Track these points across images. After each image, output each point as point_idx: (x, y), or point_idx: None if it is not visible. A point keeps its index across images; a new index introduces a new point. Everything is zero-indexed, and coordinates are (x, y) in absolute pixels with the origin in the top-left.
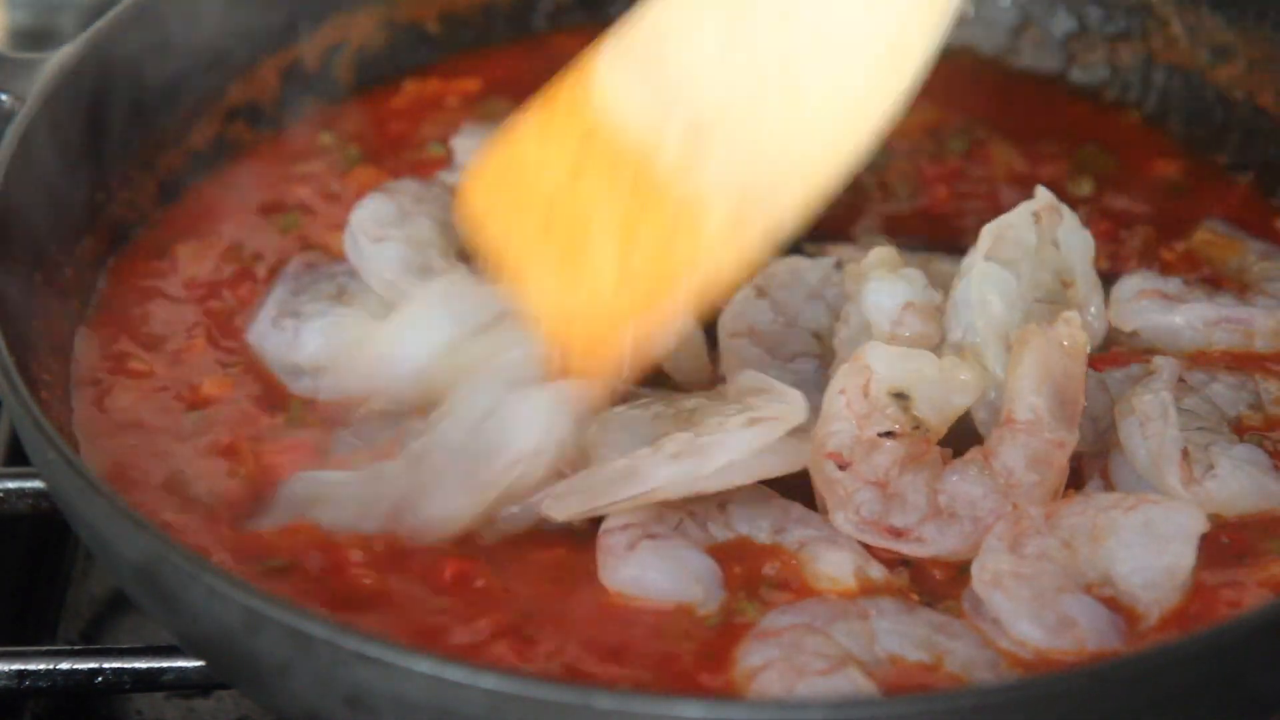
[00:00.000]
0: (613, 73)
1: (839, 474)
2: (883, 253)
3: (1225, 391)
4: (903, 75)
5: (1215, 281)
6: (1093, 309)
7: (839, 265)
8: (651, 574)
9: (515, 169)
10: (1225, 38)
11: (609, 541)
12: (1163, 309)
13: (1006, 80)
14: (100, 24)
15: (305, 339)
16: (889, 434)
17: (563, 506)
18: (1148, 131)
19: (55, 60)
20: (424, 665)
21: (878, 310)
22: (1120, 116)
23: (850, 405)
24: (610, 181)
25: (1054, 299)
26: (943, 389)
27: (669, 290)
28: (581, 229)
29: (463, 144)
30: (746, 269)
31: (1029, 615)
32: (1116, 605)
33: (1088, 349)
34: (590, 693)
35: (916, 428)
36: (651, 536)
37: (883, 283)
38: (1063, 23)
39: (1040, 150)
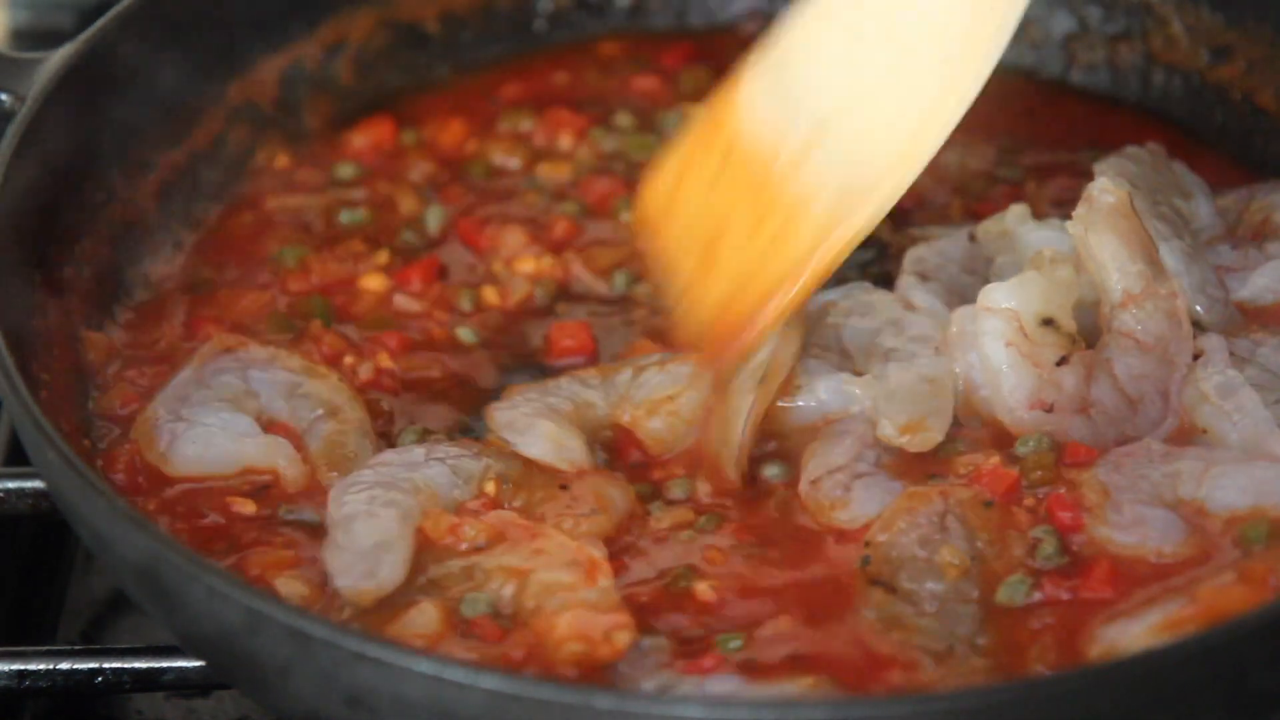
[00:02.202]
0: (751, 89)
1: (1049, 417)
2: (1019, 209)
3: (1272, 354)
4: (975, 74)
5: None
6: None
7: (972, 237)
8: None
9: (672, 180)
10: (1225, 38)
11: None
12: (1239, 279)
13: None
14: (100, 24)
15: (179, 448)
16: (1063, 360)
17: None
18: (1146, 130)
19: (55, 60)
20: (424, 665)
21: (1046, 247)
22: (1119, 115)
23: (1019, 351)
24: (743, 187)
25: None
26: (1068, 294)
27: (785, 283)
28: (718, 231)
29: None
30: (839, 262)
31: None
32: (1193, 521)
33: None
34: (590, 693)
35: (1074, 342)
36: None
37: (1041, 227)
38: (1063, 23)
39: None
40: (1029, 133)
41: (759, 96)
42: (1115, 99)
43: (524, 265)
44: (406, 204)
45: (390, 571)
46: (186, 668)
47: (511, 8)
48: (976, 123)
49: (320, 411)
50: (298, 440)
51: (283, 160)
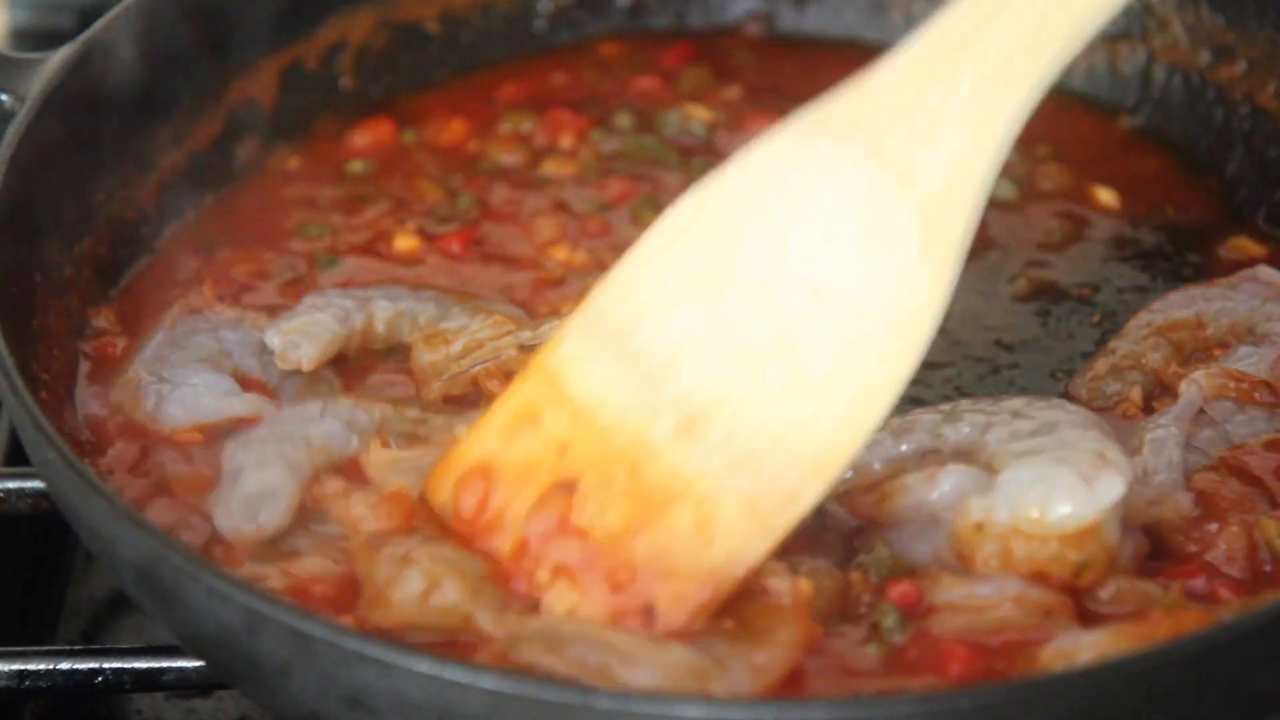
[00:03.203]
0: (582, 355)
1: None
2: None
3: (1241, 427)
4: (918, 334)
5: None
6: None
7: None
8: None
9: (485, 469)
10: (1225, 38)
11: None
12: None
13: None
14: (100, 24)
15: (166, 409)
16: None
17: None
18: (1145, 130)
19: (55, 60)
20: (424, 665)
21: None
22: (1118, 115)
23: None
24: (597, 468)
25: None
26: None
27: (679, 582)
28: (589, 522)
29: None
30: (773, 546)
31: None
32: None
33: None
34: (590, 693)
35: None
36: None
37: None
38: None
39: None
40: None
41: (598, 367)
42: (1113, 99)
43: (558, 252)
44: (431, 190)
45: (270, 517)
46: (186, 668)
47: (511, 8)
48: None
49: (288, 369)
50: (272, 396)
51: (288, 160)
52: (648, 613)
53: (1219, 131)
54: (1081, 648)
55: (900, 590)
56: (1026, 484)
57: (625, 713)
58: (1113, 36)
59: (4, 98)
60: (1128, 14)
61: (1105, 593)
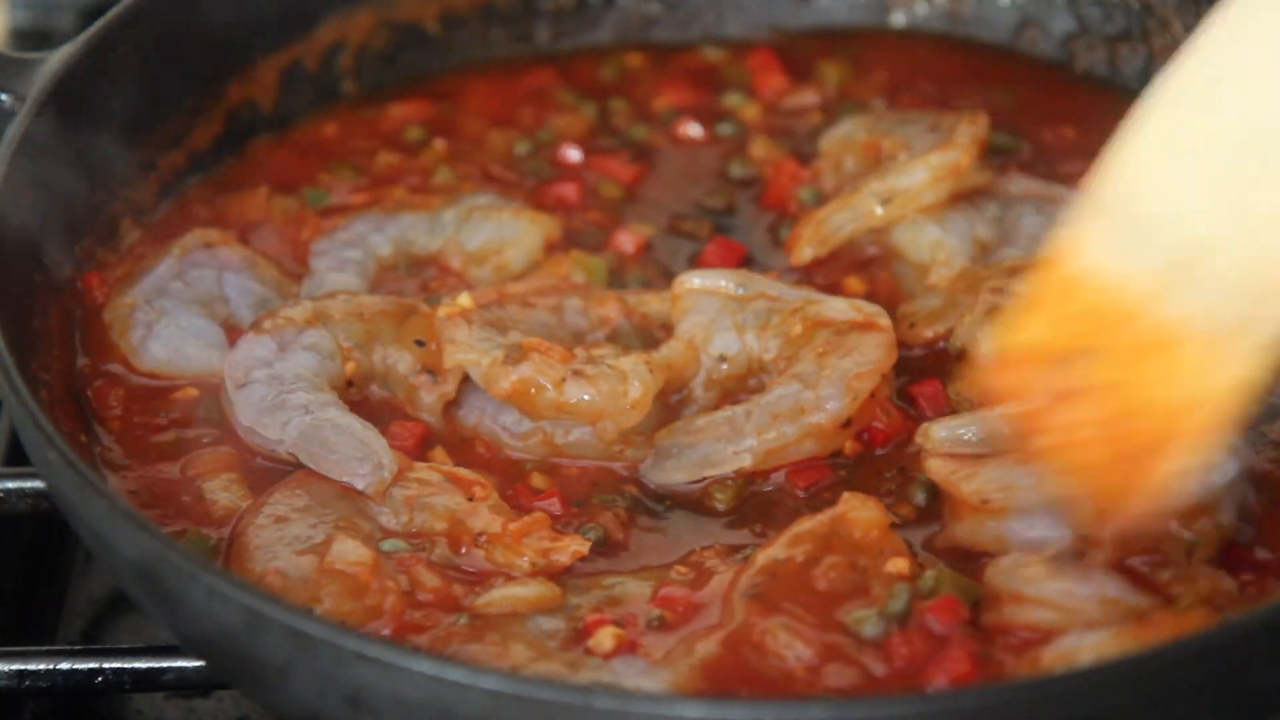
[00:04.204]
0: (1092, 233)
1: None
2: None
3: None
4: None
5: None
6: None
7: None
8: None
9: (1022, 346)
10: None
11: None
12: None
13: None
14: (100, 24)
15: (150, 345)
16: None
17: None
18: None
19: (55, 60)
20: (424, 665)
21: None
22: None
23: None
24: (1104, 332)
25: None
26: None
27: (1177, 419)
28: (1087, 387)
29: (321, 261)
30: (1248, 393)
31: None
32: None
33: None
34: (590, 693)
35: None
36: None
37: None
38: (1063, 23)
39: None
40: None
41: (1103, 237)
42: (1114, 98)
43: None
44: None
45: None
46: (186, 668)
47: (511, 8)
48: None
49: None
50: None
51: (288, 160)
52: (1151, 460)
53: None
54: (1082, 649)
55: (946, 606)
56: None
57: (625, 713)
58: (1113, 36)
59: (4, 98)
60: (1127, 14)
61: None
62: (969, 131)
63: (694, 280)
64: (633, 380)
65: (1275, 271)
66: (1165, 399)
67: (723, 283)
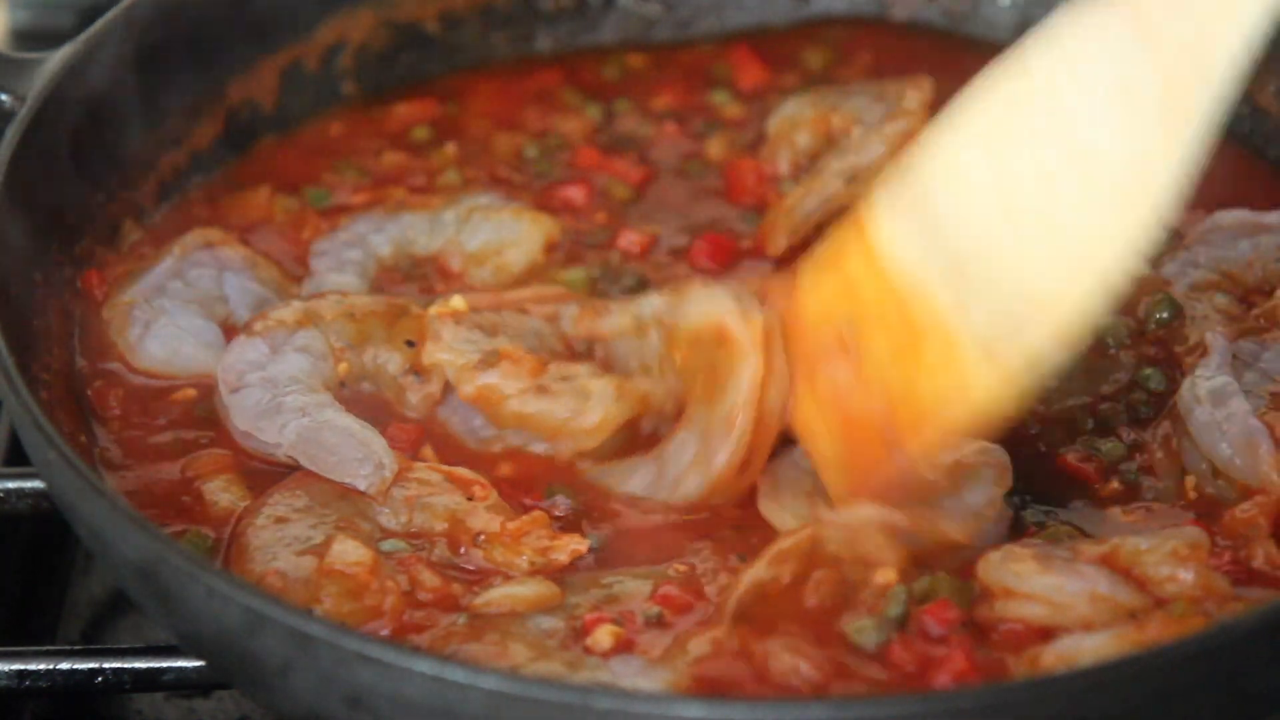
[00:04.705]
0: (887, 215)
1: None
2: None
3: (1276, 359)
4: (1153, 190)
5: None
6: None
7: None
8: None
9: (801, 311)
10: None
11: None
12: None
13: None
14: (100, 24)
15: (147, 343)
16: None
17: None
18: None
19: (55, 60)
20: (424, 665)
21: None
22: None
23: None
24: (876, 304)
25: None
26: None
27: (935, 418)
28: (847, 348)
29: (321, 261)
30: (1008, 399)
31: None
32: None
33: None
34: (590, 693)
35: None
36: None
37: None
38: None
39: None
40: None
41: (895, 223)
42: None
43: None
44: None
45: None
46: (186, 668)
47: (511, 8)
48: None
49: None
50: None
51: (290, 161)
52: (890, 445)
53: (1218, 131)
54: (1082, 649)
55: (942, 608)
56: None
57: (625, 713)
58: None
59: (4, 98)
60: None
61: (1258, 559)
62: (916, 97)
63: (599, 326)
64: (594, 403)
65: (1042, 291)
66: (923, 389)
67: (616, 321)
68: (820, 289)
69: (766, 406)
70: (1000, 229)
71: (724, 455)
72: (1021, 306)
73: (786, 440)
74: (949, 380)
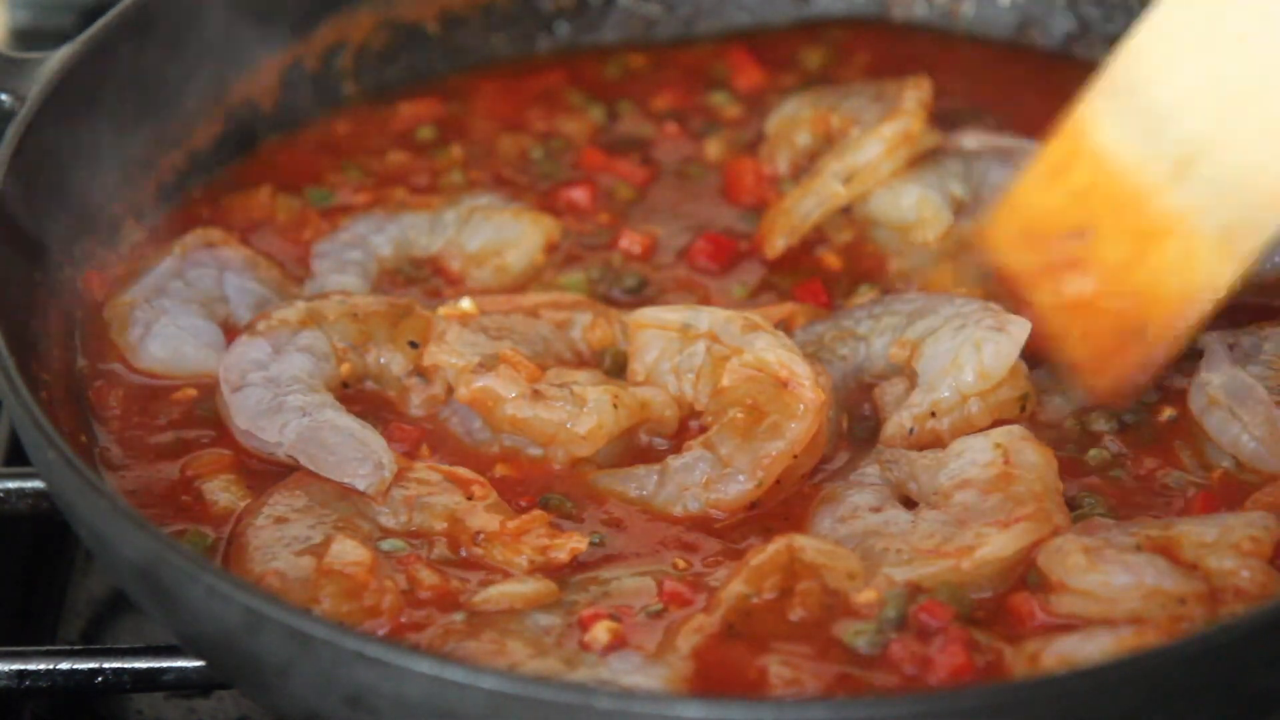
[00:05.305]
0: (1104, 111)
1: None
2: None
3: (1277, 349)
4: None
5: None
6: None
7: None
8: None
9: (1024, 207)
10: None
11: None
12: None
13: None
14: (100, 24)
15: (148, 344)
16: None
17: None
18: None
19: (55, 60)
20: (424, 665)
21: None
22: None
23: None
24: (1109, 210)
25: None
26: None
27: (1182, 310)
28: (1084, 256)
29: (322, 262)
30: (1236, 285)
31: None
32: None
33: None
34: (590, 693)
35: None
36: None
37: None
38: (1063, 23)
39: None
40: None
41: (1114, 118)
42: None
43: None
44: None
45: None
46: (186, 668)
47: (511, 8)
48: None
49: None
50: None
51: (290, 162)
52: (1139, 339)
53: None
54: (1083, 649)
55: (935, 605)
56: (948, 357)
57: (625, 713)
58: (1113, 36)
59: (4, 98)
60: (1128, 14)
61: None
62: (915, 96)
63: (645, 315)
64: (589, 411)
65: (1269, 183)
66: (1158, 286)
67: (670, 317)
68: (1045, 204)
69: (798, 463)
70: (1223, 127)
71: (741, 489)
72: (1256, 197)
73: None
74: (1193, 275)
